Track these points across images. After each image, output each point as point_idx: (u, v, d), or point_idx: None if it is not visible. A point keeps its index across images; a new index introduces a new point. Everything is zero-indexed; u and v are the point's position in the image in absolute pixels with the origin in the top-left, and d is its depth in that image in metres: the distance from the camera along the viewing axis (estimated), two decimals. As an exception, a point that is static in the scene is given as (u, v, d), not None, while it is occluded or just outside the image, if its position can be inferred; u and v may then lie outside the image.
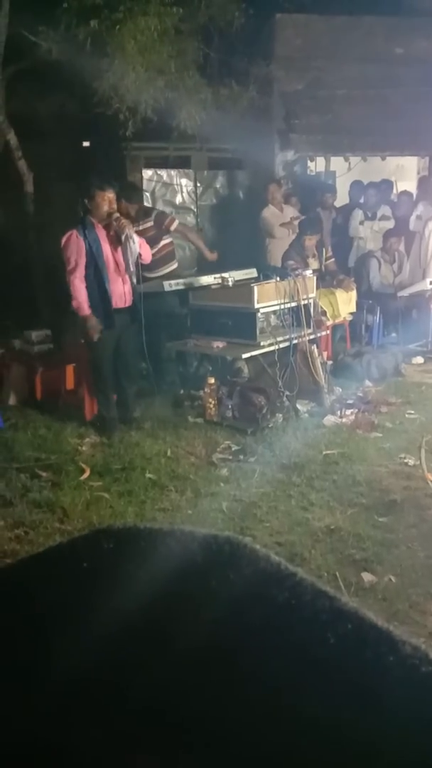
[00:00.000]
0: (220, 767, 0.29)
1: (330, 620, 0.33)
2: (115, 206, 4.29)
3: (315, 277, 5.28)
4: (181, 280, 5.16)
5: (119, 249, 4.31)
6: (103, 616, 0.35)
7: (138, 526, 0.42)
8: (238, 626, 0.34)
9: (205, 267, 5.98)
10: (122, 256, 4.32)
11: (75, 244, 4.20)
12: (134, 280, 4.40)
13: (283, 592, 0.35)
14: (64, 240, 4.23)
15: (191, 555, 0.38)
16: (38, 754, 0.30)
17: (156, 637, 0.34)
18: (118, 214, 4.26)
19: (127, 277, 4.37)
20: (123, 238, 4.25)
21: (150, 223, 5.39)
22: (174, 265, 5.57)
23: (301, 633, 0.33)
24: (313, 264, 5.78)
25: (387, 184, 8.07)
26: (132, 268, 4.31)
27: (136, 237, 4.31)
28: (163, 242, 5.37)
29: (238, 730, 0.30)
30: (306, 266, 5.46)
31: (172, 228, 5.42)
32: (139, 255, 4.34)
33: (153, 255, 5.14)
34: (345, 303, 6.06)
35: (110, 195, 4.26)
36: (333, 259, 6.27)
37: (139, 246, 4.31)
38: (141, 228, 5.24)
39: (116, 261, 4.32)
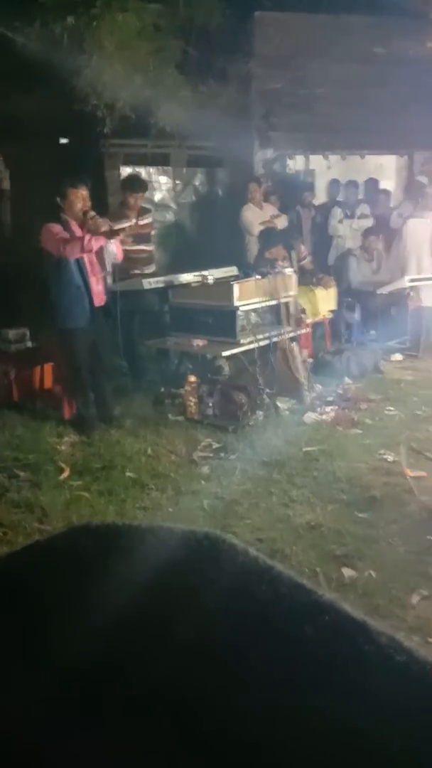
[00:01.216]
0: (201, 761, 0.29)
1: (307, 612, 0.33)
2: (89, 204, 4.26)
3: (294, 276, 5.30)
4: (161, 278, 5.16)
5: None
6: (82, 614, 0.35)
7: (117, 523, 0.42)
8: (217, 620, 0.34)
9: (185, 265, 5.97)
10: (96, 255, 4.30)
11: (51, 228, 4.16)
12: (107, 281, 4.38)
13: (261, 585, 0.35)
14: (44, 229, 4.19)
15: (170, 551, 0.38)
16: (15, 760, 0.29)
17: (136, 632, 0.34)
18: (93, 213, 4.22)
19: (101, 276, 4.35)
20: None
21: (149, 219, 5.45)
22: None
23: (278, 625, 0.33)
24: (285, 267, 5.80)
25: (372, 182, 8.12)
26: (108, 269, 4.28)
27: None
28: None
29: (219, 723, 0.30)
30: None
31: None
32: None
33: (147, 252, 5.20)
34: (325, 301, 6.11)
35: (83, 192, 4.23)
36: (309, 258, 6.29)
37: (114, 246, 4.30)
38: (142, 223, 5.30)
39: (89, 260, 4.30)
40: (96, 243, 4.17)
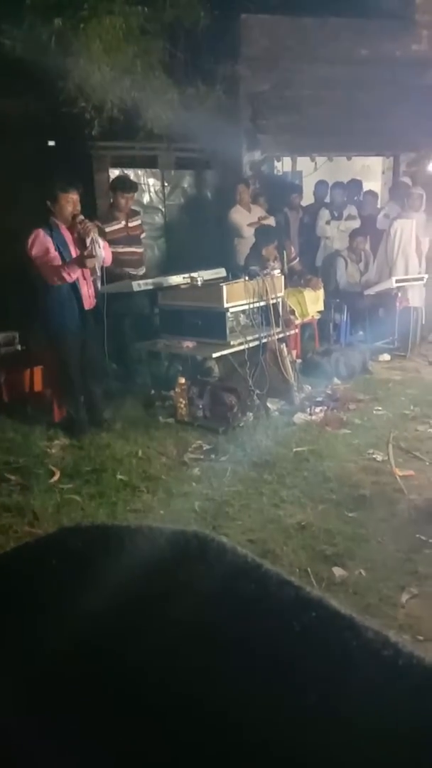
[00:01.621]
0: (190, 759, 0.30)
1: (295, 609, 0.34)
2: (78, 207, 4.25)
3: (283, 277, 5.32)
4: (150, 280, 5.15)
5: (83, 249, 4.28)
6: (73, 613, 0.35)
7: (106, 524, 0.43)
8: (207, 617, 0.35)
9: (173, 267, 5.98)
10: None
11: (43, 242, 4.15)
12: (97, 285, 4.36)
13: (249, 583, 0.36)
14: (31, 239, 4.17)
15: (160, 550, 0.39)
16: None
17: (127, 630, 0.34)
18: (82, 217, 4.21)
19: (90, 279, 4.34)
20: (88, 241, 4.19)
21: (139, 221, 5.47)
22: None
23: (267, 622, 0.34)
24: (276, 267, 5.82)
25: (356, 184, 8.17)
26: (98, 273, 4.27)
27: (101, 240, 4.28)
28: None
29: (208, 720, 0.30)
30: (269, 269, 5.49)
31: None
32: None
33: (137, 254, 5.21)
34: (313, 302, 6.13)
35: (73, 196, 4.21)
36: (297, 260, 6.31)
37: (103, 249, 4.29)
38: (131, 225, 5.32)
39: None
40: (74, 274, 4.16)
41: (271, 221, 6.73)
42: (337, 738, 0.30)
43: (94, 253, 4.15)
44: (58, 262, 4.16)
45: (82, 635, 0.34)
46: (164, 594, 0.36)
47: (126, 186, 5.55)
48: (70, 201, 4.19)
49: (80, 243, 4.25)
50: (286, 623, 0.34)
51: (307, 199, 8.05)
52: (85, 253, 4.14)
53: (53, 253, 4.15)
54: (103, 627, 0.34)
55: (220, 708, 0.31)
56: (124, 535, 0.40)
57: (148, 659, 0.33)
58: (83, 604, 0.36)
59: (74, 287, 4.24)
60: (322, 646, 0.33)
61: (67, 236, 4.24)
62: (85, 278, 4.30)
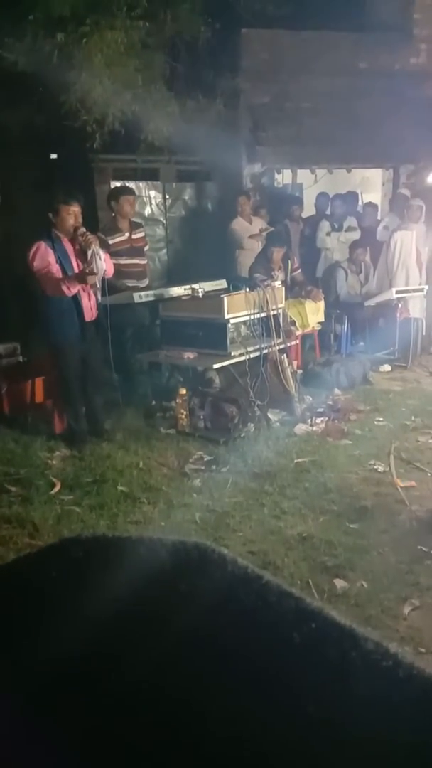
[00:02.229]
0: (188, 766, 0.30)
1: (295, 620, 0.34)
2: (80, 220, 4.27)
3: (284, 288, 5.34)
4: (151, 292, 5.17)
5: (84, 263, 4.30)
6: (73, 624, 0.35)
7: (107, 535, 0.43)
8: (207, 628, 0.35)
9: (175, 278, 6.01)
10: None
11: (44, 254, 4.17)
12: (98, 296, 4.38)
13: (250, 594, 0.36)
14: (32, 251, 4.18)
15: (160, 561, 0.39)
16: None
17: (128, 641, 0.34)
18: (83, 229, 4.24)
19: (92, 291, 4.36)
20: (90, 254, 4.20)
21: (142, 233, 5.52)
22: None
23: (267, 633, 0.34)
24: (279, 276, 5.85)
25: (352, 196, 8.22)
26: (98, 285, 4.29)
27: (102, 253, 4.29)
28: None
29: (207, 731, 0.30)
30: (272, 278, 5.52)
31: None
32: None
33: (140, 266, 5.24)
34: (313, 313, 6.14)
35: (75, 209, 4.23)
36: (299, 270, 6.35)
37: (105, 261, 4.30)
38: (135, 237, 5.37)
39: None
40: (74, 289, 4.18)
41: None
42: (336, 750, 0.30)
43: (95, 267, 4.16)
44: (59, 275, 4.17)
45: (82, 645, 0.34)
46: (165, 605, 0.36)
47: (127, 190, 5.65)
48: (72, 213, 4.21)
49: (81, 255, 4.26)
50: (287, 634, 0.34)
51: (308, 210, 8.09)
52: (87, 270, 4.16)
53: (55, 266, 4.17)
54: (104, 637, 0.35)
55: (220, 719, 0.31)
56: (125, 546, 0.41)
57: (148, 670, 0.33)
58: (84, 614, 0.36)
59: (75, 299, 4.25)
60: (322, 658, 0.33)
61: (69, 248, 4.25)
62: (85, 290, 4.31)
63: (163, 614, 0.35)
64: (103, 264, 4.24)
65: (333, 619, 0.34)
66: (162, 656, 0.33)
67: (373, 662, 0.32)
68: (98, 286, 4.29)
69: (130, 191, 5.70)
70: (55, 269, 4.17)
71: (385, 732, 0.30)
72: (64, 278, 4.16)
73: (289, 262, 6.16)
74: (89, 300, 4.35)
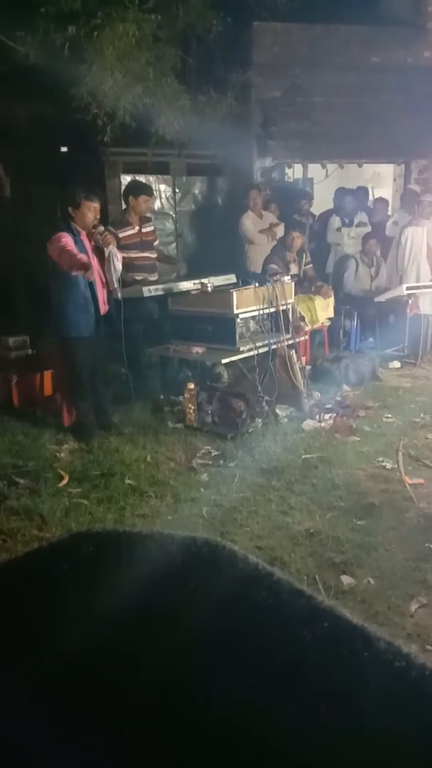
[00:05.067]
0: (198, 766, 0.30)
1: (306, 618, 0.34)
2: (98, 216, 4.30)
3: (293, 283, 5.33)
4: (160, 286, 5.18)
5: (100, 259, 4.32)
6: (84, 619, 0.35)
7: (117, 530, 0.43)
8: (217, 626, 0.35)
9: (184, 273, 6.01)
10: (101, 267, 4.33)
11: (68, 241, 4.14)
12: (118, 296, 4.41)
13: (261, 591, 0.36)
14: (55, 238, 4.12)
15: (170, 557, 0.39)
16: None
17: (137, 637, 0.34)
18: (102, 227, 4.26)
19: (105, 287, 4.38)
20: (107, 253, 4.24)
21: (152, 227, 5.52)
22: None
23: (278, 631, 0.34)
24: (293, 269, 5.83)
25: (363, 191, 8.17)
26: (116, 284, 4.31)
27: (118, 253, 4.30)
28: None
29: (218, 728, 0.30)
30: (287, 271, 5.50)
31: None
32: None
33: (150, 260, 5.23)
34: (323, 308, 6.12)
35: (96, 205, 4.27)
36: (311, 265, 6.33)
37: (120, 261, 4.33)
38: (145, 231, 5.37)
39: (97, 271, 4.31)
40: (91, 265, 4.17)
41: (282, 228, 6.74)
42: (347, 749, 0.30)
43: (112, 267, 4.20)
44: (78, 253, 4.15)
45: (94, 640, 0.34)
46: (176, 601, 0.36)
47: (147, 190, 5.64)
48: (92, 209, 4.23)
49: (98, 252, 4.30)
50: (298, 632, 0.33)
51: (318, 205, 8.06)
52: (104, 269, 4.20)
53: (75, 249, 4.17)
54: (115, 633, 0.35)
55: (231, 716, 0.31)
56: (136, 541, 0.41)
57: (160, 666, 0.33)
58: (95, 609, 0.36)
59: (92, 293, 4.25)
60: (334, 656, 0.33)
61: (87, 243, 4.27)
62: (102, 286, 4.34)
63: (174, 610, 0.35)
64: (119, 265, 4.28)
65: (345, 618, 0.34)
66: (173, 652, 0.33)
67: (385, 662, 0.32)
68: (116, 285, 4.31)
69: (150, 191, 5.67)
70: (76, 251, 4.16)
71: (397, 731, 0.30)
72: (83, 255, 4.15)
73: (304, 255, 6.15)
74: (102, 294, 4.38)
